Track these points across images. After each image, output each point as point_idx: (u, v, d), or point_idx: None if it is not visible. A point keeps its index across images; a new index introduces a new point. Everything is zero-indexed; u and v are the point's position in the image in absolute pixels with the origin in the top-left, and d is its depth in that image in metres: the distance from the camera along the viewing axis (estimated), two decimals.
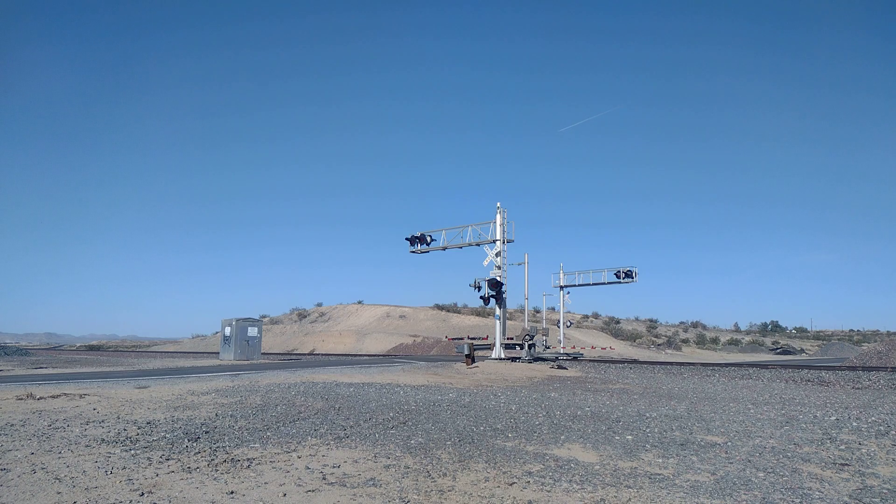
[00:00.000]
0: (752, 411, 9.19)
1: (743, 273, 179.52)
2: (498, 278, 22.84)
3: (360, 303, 66.47)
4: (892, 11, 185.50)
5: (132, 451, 5.25)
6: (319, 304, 69.47)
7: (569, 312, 38.37)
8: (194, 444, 5.58)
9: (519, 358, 23.74)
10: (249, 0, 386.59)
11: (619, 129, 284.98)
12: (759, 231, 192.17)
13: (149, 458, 4.99)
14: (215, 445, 5.57)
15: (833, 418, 8.39)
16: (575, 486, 4.48)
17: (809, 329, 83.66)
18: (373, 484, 4.40)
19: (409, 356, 35.93)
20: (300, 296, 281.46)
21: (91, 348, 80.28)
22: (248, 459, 5.05)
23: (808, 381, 16.06)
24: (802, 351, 61.23)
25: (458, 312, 59.83)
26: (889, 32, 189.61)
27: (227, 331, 26.52)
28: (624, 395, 11.44)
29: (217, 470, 4.67)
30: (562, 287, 35.44)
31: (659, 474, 4.88)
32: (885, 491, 4.50)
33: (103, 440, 5.72)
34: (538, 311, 50.45)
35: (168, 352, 52.98)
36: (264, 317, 66.19)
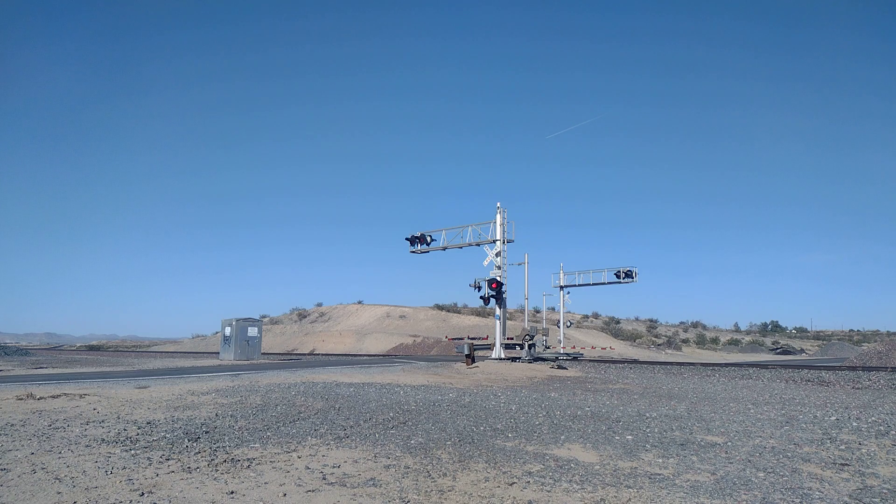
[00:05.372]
0: (752, 411, 9.19)
1: (743, 273, 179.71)
2: (498, 278, 22.84)
3: (360, 303, 66.47)
4: (892, 11, 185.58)
5: (132, 451, 5.25)
6: (319, 304, 69.51)
7: (569, 312, 38.36)
8: (194, 444, 5.58)
9: (519, 358, 23.74)
10: (249, 0, 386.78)
11: (618, 129, 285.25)
12: (759, 231, 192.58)
13: (149, 458, 4.99)
14: (215, 445, 5.58)
15: (833, 418, 8.39)
16: (575, 486, 4.48)
17: (809, 329, 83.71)
18: (373, 484, 4.40)
19: (409, 356, 35.93)
20: (300, 296, 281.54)
21: (91, 348, 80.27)
22: (248, 459, 5.05)
23: (808, 381, 16.05)
24: (802, 351, 61.22)
25: (458, 312, 59.81)
26: (889, 32, 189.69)
27: (228, 331, 26.52)
28: (624, 395, 11.44)
29: (217, 470, 4.67)
30: (562, 287, 35.43)
31: (659, 474, 4.88)
32: (885, 491, 4.50)
33: (103, 440, 5.72)
34: (538, 311, 50.46)
35: (168, 352, 52.98)
36: (264, 317, 66.23)
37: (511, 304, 27.26)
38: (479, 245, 24.45)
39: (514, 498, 4.12)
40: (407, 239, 26.24)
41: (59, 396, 9.07)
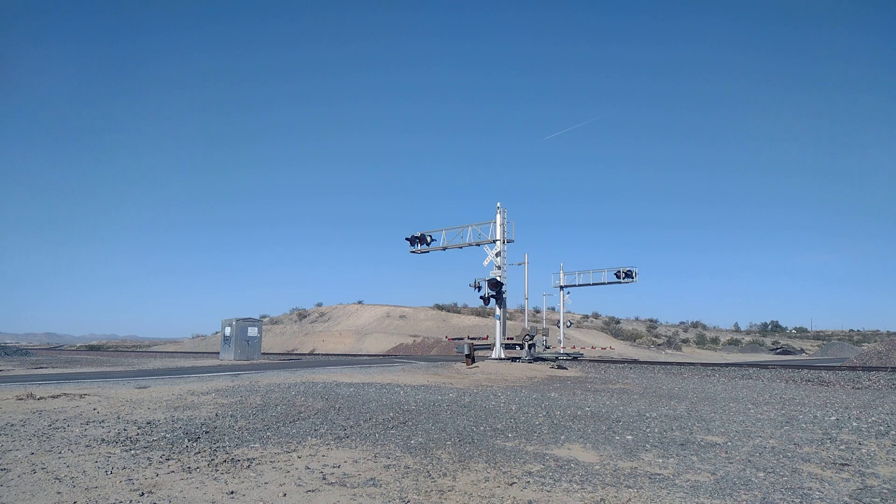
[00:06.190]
0: (752, 411, 9.19)
1: (743, 273, 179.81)
2: (498, 278, 22.84)
3: (360, 303, 66.47)
4: (892, 11, 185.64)
5: (132, 451, 5.25)
6: (319, 304, 69.50)
7: (569, 312, 38.36)
8: (194, 444, 5.58)
9: (519, 358, 23.74)
10: (249, 0, 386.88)
11: (618, 130, 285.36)
12: (759, 231, 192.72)
13: (149, 458, 4.99)
14: (215, 445, 5.58)
15: (833, 418, 8.39)
16: (575, 486, 4.48)
17: (809, 329, 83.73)
18: (373, 484, 4.40)
19: (409, 356, 35.93)
20: (300, 296, 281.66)
21: (91, 348, 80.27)
22: (249, 459, 5.05)
23: (808, 381, 16.05)
24: (802, 351, 61.23)
25: (458, 312, 59.81)
26: (889, 32, 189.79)
27: (227, 331, 26.52)
28: (624, 395, 11.43)
29: (217, 470, 4.67)
30: (562, 287, 35.43)
31: (659, 474, 4.88)
32: (885, 491, 4.50)
33: (103, 440, 5.72)
34: (538, 311, 50.46)
35: (168, 352, 52.99)
36: (264, 317, 66.23)
37: (511, 304, 27.28)
38: (479, 245, 24.46)
39: (514, 498, 4.12)
40: (407, 239, 26.25)
41: (59, 396, 9.07)
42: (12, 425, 6.43)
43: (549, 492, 4.30)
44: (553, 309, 39.59)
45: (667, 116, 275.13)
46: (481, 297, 23.03)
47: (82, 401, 8.64)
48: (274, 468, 4.79)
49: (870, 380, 15.37)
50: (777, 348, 61.63)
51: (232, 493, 4.08)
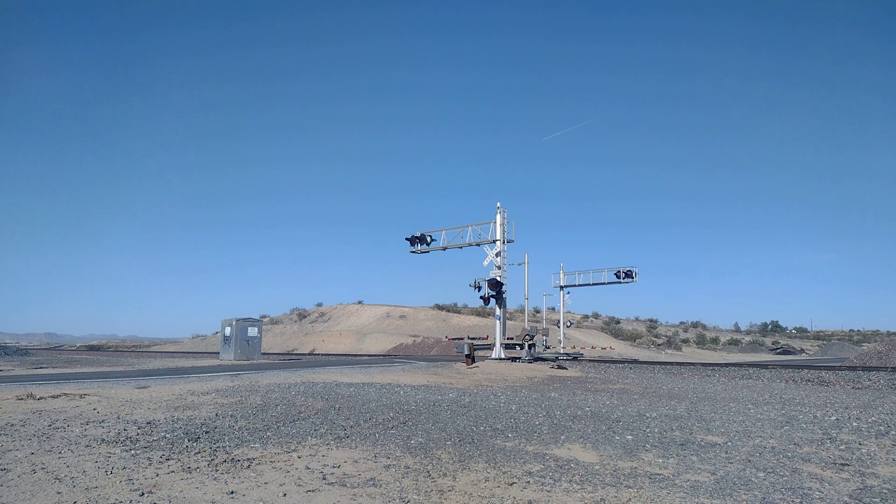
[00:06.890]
0: (752, 411, 9.19)
1: (743, 273, 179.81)
2: (498, 278, 22.84)
3: (360, 303, 66.47)
4: (892, 11, 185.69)
5: (132, 451, 5.25)
6: (319, 304, 69.51)
7: (569, 312, 38.35)
8: (194, 444, 5.58)
9: (519, 358, 23.74)
10: (249, 0, 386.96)
11: (618, 130, 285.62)
12: (759, 231, 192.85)
13: (149, 458, 4.99)
14: (215, 445, 5.58)
15: (833, 418, 8.39)
16: (575, 486, 4.48)
17: (809, 329, 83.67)
18: (373, 484, 4.40)
19: (409, 356, 35.92)
20: (300, 296, 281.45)
21: (91, 348, 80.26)
22: (249, 459, 5.05)
23: (808, 381, 16.05)
24: (802, 351, 61.19)
25: (458, 312, 59.80)
26: (889, 32, 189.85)
27: (227, 331, 26.51)
28: (624, 395, 11.43)
29: (217, 470, 4.67)
30: (562, 287, 35.42)
31: (659, 474, 4.88)
32: (885, 491, 4.50)
33: (103, 440, 5.72)
34: (538, 311, 50.44)
35: (168, 352, 52.98)
36: (264, 317, 66.22)
37: (511, 304, 27.26)
38: (479, 245, 24.45)
39: (514, 498, 4.12)
40: (407, 239, 26.24)
41: (59, 396, 9.06)
42: (12, 425, 6.43)
43: (549, 492, 4.30)
44: (553, 309, 39.61)
45: (667, 116, 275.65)
46: (481, 297, 23.04)
47: (82, 401, 8.64)
48: (274, 468, 4.79)
49: (870, 380, 15.36)
50: (777, 348, 61.60)
51: (232, 493, 4.08)
